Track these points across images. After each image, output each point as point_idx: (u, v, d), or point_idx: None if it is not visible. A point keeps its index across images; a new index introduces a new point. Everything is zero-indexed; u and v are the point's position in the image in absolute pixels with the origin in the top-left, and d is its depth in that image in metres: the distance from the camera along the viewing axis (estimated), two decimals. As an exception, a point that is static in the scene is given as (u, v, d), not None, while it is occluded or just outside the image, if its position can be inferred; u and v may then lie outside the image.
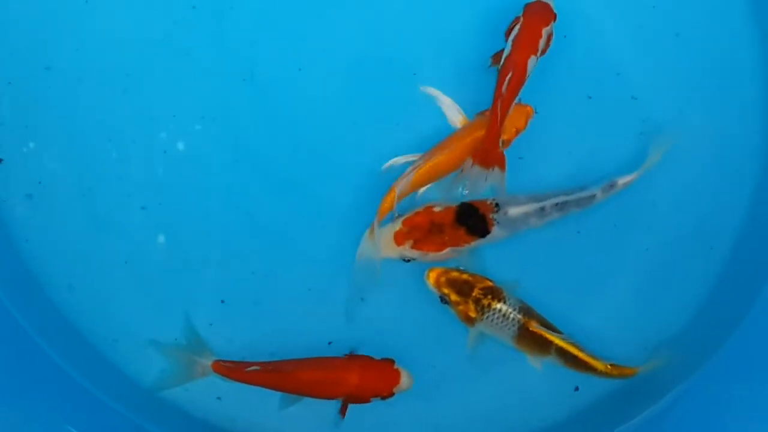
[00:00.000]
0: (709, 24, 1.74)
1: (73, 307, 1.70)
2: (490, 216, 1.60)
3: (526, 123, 1.65)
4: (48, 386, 1.65)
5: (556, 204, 1.62)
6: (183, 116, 1.71)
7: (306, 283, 1.69)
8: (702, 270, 1.72)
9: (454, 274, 1.61)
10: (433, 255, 1.61)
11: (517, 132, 1.64)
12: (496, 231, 1.61)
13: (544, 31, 1.60)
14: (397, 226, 1.60)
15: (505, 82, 1.55)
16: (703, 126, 1.72)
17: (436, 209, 1.61)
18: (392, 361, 1.59)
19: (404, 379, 1.57)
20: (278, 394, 1.59)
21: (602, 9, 1.74)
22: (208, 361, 1.57)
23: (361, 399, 1.57)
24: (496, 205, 1.61)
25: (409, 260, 1.63)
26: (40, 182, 1.71)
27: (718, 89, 1.73)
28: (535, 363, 1.62)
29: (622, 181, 1.65)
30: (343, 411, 1.58)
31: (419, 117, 1.70)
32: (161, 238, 1.70)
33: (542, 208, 1.62)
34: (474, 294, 1.59)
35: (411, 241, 1.59)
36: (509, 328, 1.59)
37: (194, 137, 1.71)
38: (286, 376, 1.56)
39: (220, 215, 1.70)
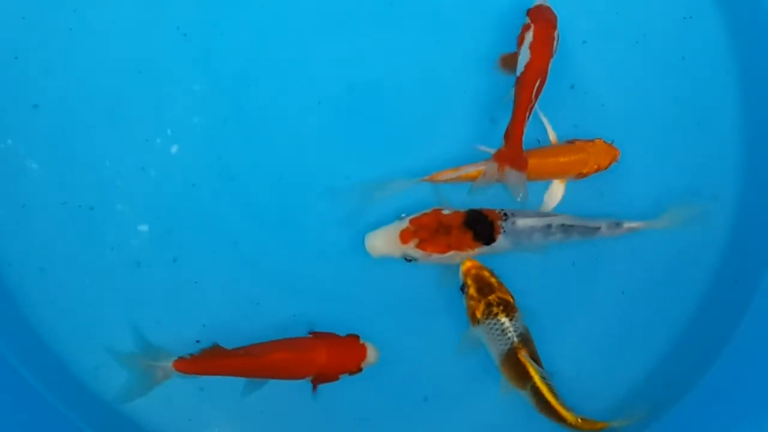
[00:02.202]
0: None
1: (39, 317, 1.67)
2: (498, 224, 1.61)
3: (609, 165, 1.70)
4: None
5: (562, 224, 1.64)
6: (169, 140, 1.71)
7: (292, 309, 1.68)
8: (677, 309, 1.74)
9: (486, 273, 1.61)
10: (436, 257, 1.60)
11: (597, 169, 1.69)
12: (501, 240, 1.61)
13: (556, 34, 1.68)
14: (405, 224, 1.60)
15: (534, 89, 1.62)
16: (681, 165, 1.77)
17: (445, 212, 1.62)
18: (357, 337, 1.58)
19: (371, 354, 1.57)
20: (241, 381, 1.56)
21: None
22: (167, 363, 1.52)
23: (330, 377, 1.55)
24: (505, 214, 1.63)
25: (410, 260, 1.61)
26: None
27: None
28: (504, 388, 1.59)
29: (627, 225, 1.68)
30: (315, 388, 1.57)
31: (406, 144, 1.73)
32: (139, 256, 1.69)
33: (548, 225, 1.63)
34: (490, 298, 1.58)
35: (416, 240, 1.59)
36: (501, 345, 1.57)
37: (180, 162, 1.71)
38: (253, 361, 1.52)
39: (202, 236, 1.70)
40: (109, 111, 1.71)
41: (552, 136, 1.73)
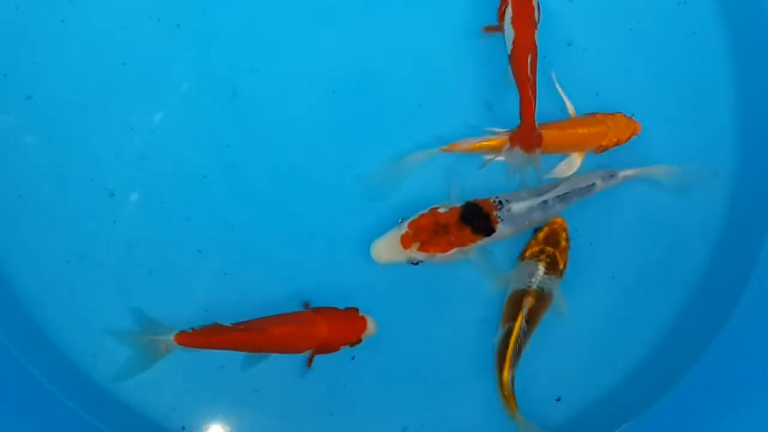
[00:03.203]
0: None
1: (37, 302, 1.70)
2: (494, 214, 1.61)
3: (629, 138, 1.69)
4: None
5: (558, 195, 1.64)
6: (164, 132, 1.72)
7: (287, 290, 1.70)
8: (669, 298, 1.75)
9: (563, 236, 1.66)
10: (440, 256, 1.62)
11: (617, 143, 1.69)
12: (501, 228, 1.62)
13: (536, 3, 1.62)
14: (403, 229, 1.61)
15: (528, 65, 1.58)
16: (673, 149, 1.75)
17: (441, 210, 1.62)
18: (357, 310, 1.62)
19: (370, 326, 1.61)
20: (240, 356, 1.60)
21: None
22: (168, 336, 1.55)
23: (331, 348, 1.60)
24: (500, 202, 1.62)
25: (417, 263, 1.63)
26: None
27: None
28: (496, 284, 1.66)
29: (623, 173, 1.68)
30: (310, 362, 1.61)
31: (402, 130, 1.73)
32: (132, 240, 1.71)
33: (545, 201, 1.63)
34: (547, 248, 1.63)
35: (417, 244, 1.60)
36: (521, 282, 1.61)
37: (176, 152, 1.72)
38: (254, 335, 1.55)
39: (200, 226, 1.72)
40: (101, 100, 1.72)
41: (570, 108, 1.71)
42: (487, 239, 1.62)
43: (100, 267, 1.69)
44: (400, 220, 1.64)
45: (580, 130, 1.67)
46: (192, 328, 1.55)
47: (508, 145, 1.63)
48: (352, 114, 1.74)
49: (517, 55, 1.60)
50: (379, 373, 1.69)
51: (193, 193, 1.72)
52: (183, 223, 1.71)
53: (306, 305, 1.65)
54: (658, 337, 1.73)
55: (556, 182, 1.66)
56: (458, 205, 1.63)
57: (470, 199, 1.63)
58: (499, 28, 1.66)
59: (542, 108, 1.64)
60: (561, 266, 1.65)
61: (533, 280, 1.61)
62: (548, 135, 1.63)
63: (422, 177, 1.71)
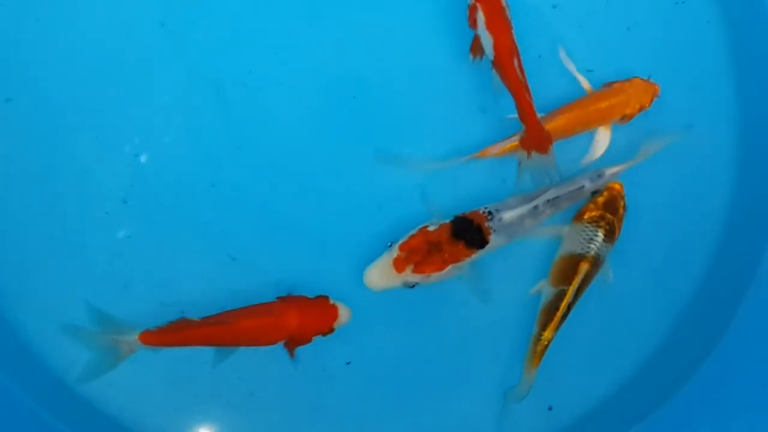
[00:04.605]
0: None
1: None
2: (486, 225, 1.58)
3: (651, 101, 1.68)
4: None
5: (548, 200, 1.61)
6: (150, 134, 1.70)
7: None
8: (667, 306, 1.72)
9: (622, 204, 1.64)
10: (436, 275, 1.57)
11: (641, 109, 1.67)
12: (494, 239, 1.58)
13: (504, 3, 1.60)
14: (394, 253, 1.57)
15: (516, 69, 1.55)
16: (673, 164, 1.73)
17: (430, 228, 1.58)
18: (327, 297, 1.58)
19: (343, 313, 1.57)
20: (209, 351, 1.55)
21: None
22: (132, 336, 1.50)
23: (304, 340, 1.55)
24: (489, 213, 1.59)
25: (413, 285, 1.59)
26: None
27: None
28: (536, 288, 1.64)
29: (610, 171, 1.66)
30: (291, 352, 1.57)
31: (395, 135, 1.71)
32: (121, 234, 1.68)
33: (535, 207, 1.60)
34: (607, 215, 1.62)
35: (411, 266, 1.56)
36: (577, 246, 1.60)
37: (163, 154, 1.70)
38: (223, 329, 1.50)
39: (188, 231, 1.69)
40: (81, 104, 1.70)
41: (585, 84, 1.70)
42: (481, 252, 1.58)
43: (62, 261, 1.66)
44: (389, 244, 1.60)
45: (602, 104, 1.66)
46: (156, 326, 1.50)
47: (520, 152, 1.60)
48: (343, 118, 1.71)
49: (502, 59, 1.57)
50: (375, 378, 1.66)
51: (182, 198, 1.69)
52: (170, 227, 1.68)
53: (279, 297, 1.59)
54: (654, 346, 1.70)
55: (545, 187, 1.63)
56: (447, 221, 1.59)
57: (457, 213, 1.61)
58: (476, 39, 1.63)
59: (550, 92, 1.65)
60: (616, 234, 1.63)
61: (592, 246, 1.60)
62: (572, 116, 1.64)
63: (401, 197, 1.69)
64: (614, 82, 1.68)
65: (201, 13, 1.73)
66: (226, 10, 1.73)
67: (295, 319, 1.53)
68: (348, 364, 1.66)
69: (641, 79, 1.68)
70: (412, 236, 1.58)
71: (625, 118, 1.67)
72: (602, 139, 1.69)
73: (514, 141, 1.63)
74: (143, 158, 1.69)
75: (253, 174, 1.70)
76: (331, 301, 1.57)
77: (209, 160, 1.70)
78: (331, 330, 1.56)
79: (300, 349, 1.58)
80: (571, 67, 1.71)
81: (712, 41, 1.76)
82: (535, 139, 1.58)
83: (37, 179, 1.68)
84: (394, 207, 1.69)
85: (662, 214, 1.72)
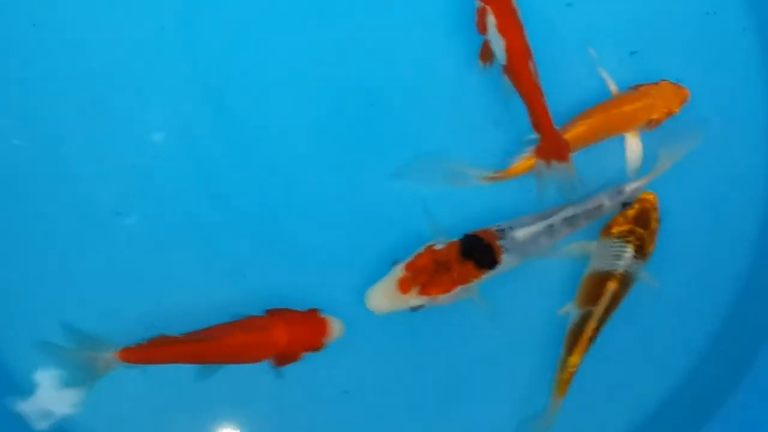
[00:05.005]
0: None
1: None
2: (497, 244, 1.49)
3: (680, 106, 1.59)
4: None
5: (565, 219, 1.53)
6: (145, 142, 1.62)
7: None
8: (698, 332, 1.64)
9: (654, 216, 1.55)
10: (443, 297, 1.48)
11: (669, 114, 1.58)
12: (506, 259, 1.49)
13: (515, 4, 1.52)
14: (399, 273, 1.48)
15: (532, 72, 1.48)
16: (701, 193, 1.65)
17: (438, 247, 1.49)
18: (317, 311, 1.50)
19: (334, 328, 1.49)
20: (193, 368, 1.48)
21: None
22: (109, 353, 1.43)
23: (292, 357, 1.48)
24: (501, 230, 1.51)
25: (418, 308, 1.50)
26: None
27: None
28: (564, 310, 1.55)
29: (630, 187, 1.57)
30: (277, 370, 1.50)
31: (389, 143, 1.62)
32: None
33: (550, 225, 1.52)
34: (638, 230, 1.53)
35: (418, 287, 1.47)
36: (605, 263, 1.51)
37: (158, 164, 1.62)
38: (206, 346, 1.44)
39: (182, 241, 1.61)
40: (75, 107, 1.63)
41: (612, 86, 1.62)
42: (492, 272, 1.50)
43: (36, 274, 1.59)
44: (393, 263, 1.51)
45: (626, 108, 1.57)
46: (137, 343, 1.44)
47: (538, 163, 1.52)
48: (349, 128, 1.63)
49: (515, 63, 1.49)
50: (374, 408, 1.58)
51: (178, 209, 1.62)
52: (167, 239, 1.60)
53: (267, 311, 1.51)
54: (687, 368, 1.62)
55: (562, 205, 1.54)
56: (455, 239, 1.51)
57: (467, 231, 1.52)
58: (486, 45, 1.55)
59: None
60: (649, 250, 1.54)
61: (620, 263, 1.50)
62: (594, 121, 1.55)
63: (410, 212, 1.60)
64: (641, 85, 1.59)
65: (203, 15, 1.65)
66: (229, 13, 1.65)
67: (283, 335, 1.46)
68: (346, 393, 1.58)
69: (670, 82, 1.59)
70: (419, 255, 1.49)
71: (652, 123, 1.58)
72: (633, 147, 1.61)
73: (530, 157, 1.54)
74: (137, 167, 1.61)
75: (252, 184, 1.62)
76: (322, 315, 1.50)
77: (207, 169, 1.62)
78: (322, 346, 1.49)
79: (294, 376, 1.51)
80: (600, 68, 1.63)
81: (743, 50, 1.67)
82: (553, 147, 1.49)
83: (21, 187, 1.60)
84: (403, 222, 1.60)
85: (693, 226, 1.63)
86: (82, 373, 1.45)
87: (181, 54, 1.64)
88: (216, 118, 1.63)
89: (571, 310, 1.53)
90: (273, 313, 1.49)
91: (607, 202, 1.55)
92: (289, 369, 1.49)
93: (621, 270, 1.50)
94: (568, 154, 1.50)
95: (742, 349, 1.60)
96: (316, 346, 1.48)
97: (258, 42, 1.64)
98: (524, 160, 1.55)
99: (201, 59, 1.64)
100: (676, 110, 1.58)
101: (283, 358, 1.47)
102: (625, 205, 1.56)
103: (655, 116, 1.57)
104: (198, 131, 1.62)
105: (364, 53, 1.64)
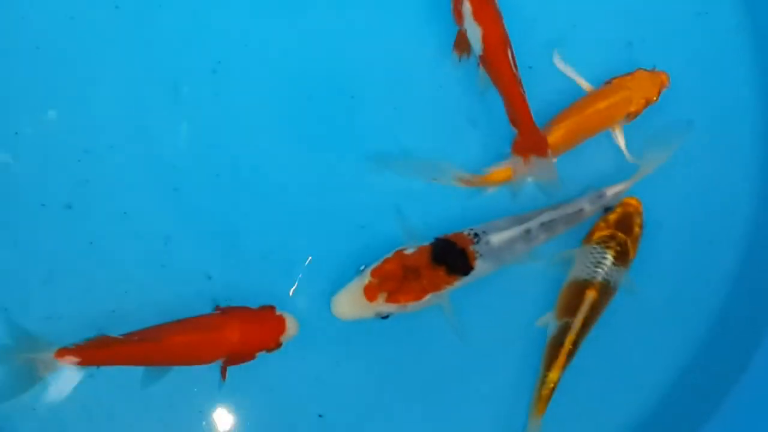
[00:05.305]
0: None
1: None
2: (471, 249, 1.41)
3: (658, 93, 1.52)
4: None
5: (542, 224, 1.45)
6: (97, 131, 1.53)
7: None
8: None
9: (637, 221, 1.48)
10: (413, 305, 1.41)
11: (647, 104, 1.52)
12: (480, 265, 1.42)
13: None
14: (366, 279, 1.40)
15: (511, 63, 1.41)
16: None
17: (408, 251, 1.42)
18: (273, 308, 1.43)
19: (290, 326, 1.42)
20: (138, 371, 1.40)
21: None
22: (48, 354, 1.35)
23: (246, 357, 1.41)
24: (475, 235, 1.43)
25: (386, 316, 1.42)
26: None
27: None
28: (542, 320, 1.48)
29: (611, 191, 1.50)
30: (223, 372, 1.41)
31: (360, 140, 1.55)
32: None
33: (527, 231, 1.44)
34: (619, 235, 1.46)
35: (385, 294, 1.39)
36: (584, 271, 1.44)
37: (110, 156, 1.53)
38: (151, 347, 1.36)
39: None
40: (20, 91, 1.54)
41: (585, 85, 1.55)
42: (465, 279, 1.42)
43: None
44: (361, 268, 1.44)
45: (601, 105, 1.49)
46: (75, 344, 1.36)
47: (514, 159, 1.43)
48: (317, 124, 1.55)
49: (493, 52, 1.42)
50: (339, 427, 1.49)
51: (131, 203, 1.53)
52: (120, 236, 1.51)
53: (217, 308, 1.44)
54: (672, 379, 1.54)
55: (540, 209, 1.47)
56: (426, 243, 1.43)
57: (439, 234, 1.44)
58: (461, 35, 1.48)
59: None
60: (631, 256, 1.47)
61: (599, 270, 1.43)
62: (571, 123, 1.47)
63: (377, 216, 1.52)
64: (614, 78, 1.52)
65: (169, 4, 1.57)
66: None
67: (236, 334, 1.38)
68: (320, 416, 1.49)
69: (645, 70, 1.53)
70: (387, 260, 1.41)
71: (631, 116, 1.52)
72: (623, 141, 1.55)
73: (507, 165, 1.47)
74: (88, 160, 1.52)
75: (212, 178, 1.53)
76: (278, 312, 1.42)
77: (163, 163, 1.53)
78: (278, 345, 1.41)
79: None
80: (568, 69, 1.56)
81: (735, 50, 1.62)
82: (531, 141, 1.42)
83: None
84: (374, 224, 1.52)
85: (678, 231, 1.56)
86: (19, 377, 1.37)
87: (137, 35, 1.55)
88: (173, 111, 1.55)
89: (550, 321, 1.46)
90: (225, 311, 1.42)
91: (588, 206, 1.48)
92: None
93: (600, 278, 1.43)
94: (547, 149, 1.42)
95: (727, 361, 1.54)
96: (271, 345, 1.41)
97: (223, 24, 1.57)
98: (503, 168, 1.48)
99: (158, 43, 1.55)
100: (655, 98, 1.52)
101: (236, 357, 1.40)
102: (607, 209, 1.49)
103: (633, 109, 1.51)
104: (154, 124, 1.54)
105: (335, 46, 1.57)
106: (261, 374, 1.47)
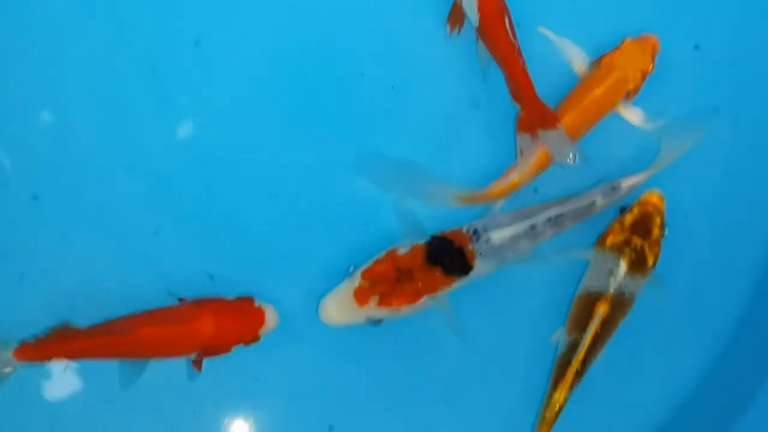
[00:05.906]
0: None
1: None
2: (470, 247, 1.32)
3: (653, 62, 1.43)
4: None
5: (549, 219, 1.35)
6: (67, 112, 1.45)
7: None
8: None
9: (657, 221, 1.36)
10: (407, 308, 1.32)
11: (644, 76, 1.43)
12: (480, 265, 1.33)
13: None
14: (356, 281, 1.32)
15: (508, 29, 1.34)
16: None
17: (401, 251, 1.33)
18: (252, 299, 1.38)
19: (270, 317, 1.36)
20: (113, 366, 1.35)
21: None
22: (7, 352, 1.30)
23: (221, 349, 1.35)
24: (474, 232, 1.33)
25: (379, 322, 1.34)
26: None
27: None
28: (557, 336, 1.38)
29: (626, 183, 1.39)
30: (198, 364, 1.37)
31: (372, 136, 1.46)
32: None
33: (532, 227, 1.35)
34: (635, 240, 1.35)
35: (376, 297, 1.31)
36: (596, 281, 1.34)
37: (84, 141, 1.45)
38: (117, 340, 1.30)
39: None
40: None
41: (578, 63, 1.46)
42: (464, 280, 1.33)
43: None
44: (351, 269, 1.35)
45: (597, 91, 1.40)
46: (35, 338, 1.31)
47: (521, 139, 1.36)
48: (309, 117, 1.46)
49: (490, 21, 1.34)
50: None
51: (104, 192, 1.45)
52: (95, 228, 1.44)
53: (181, 300, 1.39)
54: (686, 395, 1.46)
55: (546, 203, 1.37)
56: (421, 242, 1.33)
57: (436, 232, 1.36)
58: (459, 13, 1.39)
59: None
60: (650, 263, 1.36)
61: (611, 280, 1.34)
62: (568, 119, 1.38)
63: (380, 209, 1.44)
64: (602, 57, 1.42)
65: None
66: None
67: (210, 325, 1.33)
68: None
69: (632, 40, 1.43)
70: (378, 261, 1.33)
71: (632, 93, 1.43)
72: (632, 117, 1.46)
73: (514, 176, 1.37)
74: (57, 146, 1.44)
75: (192, 168, 1.45)
76: (257, 303, 1.37)
77: (140, 150, 1.44)
78: (257, 338, 1.36)
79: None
80: (560, 41, 1.46)
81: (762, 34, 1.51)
82: (537, 115, 1.33)
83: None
84: (369, 221, 1.44)
85: (700, 229, 1.47)
86: None
87: (109, 6, 1.46)
88: (150, 92, 1.46)
89: (561, 336, 1.37)
90: (200, 302, 1.36)
91: (600, 199, 1.38)
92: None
93: (612, 290, 1.33)
94: (555, 119, 1.33)
95: (746, 374, 1.45)
96: (248, 338, 1.35)
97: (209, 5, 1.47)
98: (507, 179, 1.38)
99: (132, 16, 1.46)
100: (650, 68, 1.43)
101: (210, 350, 1.35)
102: (623, 209, 1.38)
103: (631, 86, 1.42)
104: (129, 106, 1.46)
105: (325, 18, 1.47)
106: (261, 372, 1.42)
